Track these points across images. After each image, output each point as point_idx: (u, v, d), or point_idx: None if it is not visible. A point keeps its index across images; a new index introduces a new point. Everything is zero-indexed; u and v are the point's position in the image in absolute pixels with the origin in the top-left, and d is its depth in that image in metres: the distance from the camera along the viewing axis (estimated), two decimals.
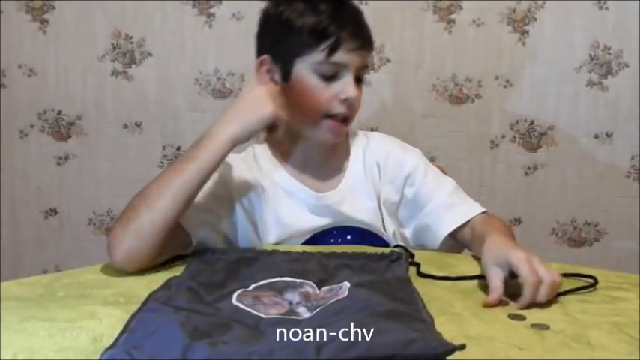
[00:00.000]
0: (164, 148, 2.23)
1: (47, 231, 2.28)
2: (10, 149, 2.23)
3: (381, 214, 1.24)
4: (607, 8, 2.13)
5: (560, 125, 2.21)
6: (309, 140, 1.22)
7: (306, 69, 1.15)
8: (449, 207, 1.21)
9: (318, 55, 1.14)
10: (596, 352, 0.75)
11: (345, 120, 1.18)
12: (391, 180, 1.25)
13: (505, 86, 2.19)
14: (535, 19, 2.15)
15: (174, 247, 1.06)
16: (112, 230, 1.03)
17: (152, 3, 2.16)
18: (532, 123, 2.21)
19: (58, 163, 2.25)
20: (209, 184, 1.10)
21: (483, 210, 1.22)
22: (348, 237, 1.21)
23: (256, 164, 1.24)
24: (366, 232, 1.22)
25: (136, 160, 2.23)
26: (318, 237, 1.21)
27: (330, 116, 1.17)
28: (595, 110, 2.19)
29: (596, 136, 2.21)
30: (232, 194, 1.18)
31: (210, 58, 2.19)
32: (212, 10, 2.16)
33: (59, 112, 2.22)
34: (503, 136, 2.22)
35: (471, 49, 2.17)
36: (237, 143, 1.06)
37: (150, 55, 2.19)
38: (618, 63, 2.16)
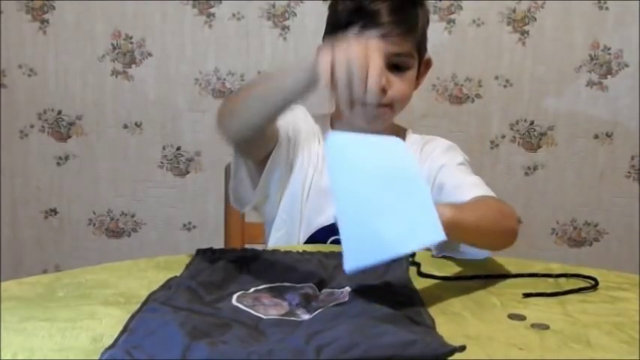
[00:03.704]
0: (164, 148, 2.23)
1: (47, 231, 2.28)
2: (10, 149, 2.23)
3: None
4: (607, 8, 2.13)
5: (560, 125, 2.21)
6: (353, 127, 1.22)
7: None
8: (460, 188, 1.14)
9: None
10: (596, 352, 0.75)
11: (386, 107, 1.17)
12: (428, 173, 1.21)
13: (505, 86, 2.19)
14: (535, 19, 2.15)
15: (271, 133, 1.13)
16: (221, 116, 1.08)
17: (152, 3, 2.16)
18: (532, 123, 2.21)
19: (58, 163, 2.25)
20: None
21: (490, 195, 1.14)
22: None
23: (319, 133, 1.26)
24: None
25: (136, 160, 2.23)
26: None
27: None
28: (595, 110, 2.19)
29: (596, 136, 2.21)
30: (297, 135, 1.21)
31: (210, 58, 2.19)
32: (212, 10, 2.16)
33: (59, 112, 2.22)
34: (503, 136, 2.22)
35: (470, 49, 2.17)
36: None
37: (150, 55, 2.19)
38: (618, 63, 2.17)
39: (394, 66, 1.16)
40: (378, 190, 0.81)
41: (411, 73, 1.19)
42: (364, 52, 0.82)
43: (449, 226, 0.87)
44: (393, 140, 0.87)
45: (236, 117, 1.06)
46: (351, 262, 0.81)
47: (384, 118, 1.20)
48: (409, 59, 1.18)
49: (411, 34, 1.17)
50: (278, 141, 1.18)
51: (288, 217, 1.23)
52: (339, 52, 0.83)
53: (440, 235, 0.78)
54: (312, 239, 1.22)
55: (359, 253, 0.81)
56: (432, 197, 0.81)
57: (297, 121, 1.23)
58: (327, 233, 1.21)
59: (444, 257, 1.10)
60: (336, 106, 1.27)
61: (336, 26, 1.17)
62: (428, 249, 1.20)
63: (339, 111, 1.25)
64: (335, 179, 0.84)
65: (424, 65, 1.25)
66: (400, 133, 1.28)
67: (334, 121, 1.28)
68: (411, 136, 1.30)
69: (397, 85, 1.17)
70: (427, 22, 1.24)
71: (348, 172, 0.83)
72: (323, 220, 1.21)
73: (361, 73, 0.81)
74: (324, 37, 1.23)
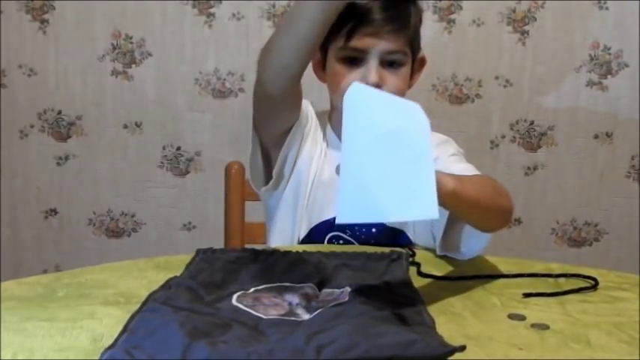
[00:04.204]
0: (164, 148, 2.23)
1: (47, 231, 2.28)
2: (10, 149, 2.23)
3: None
4: (607, 8, 2.13)
5: (560, 125, 2.21)
6: None
7: (332, 56, 1.19)
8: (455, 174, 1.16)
9: (339, 41, 1.17)
10: (596, 352, 0.75)
11: None
12: None
13: (505, 86, 2.19)
14: (535, 19, 2.15)
15: (297, 95, 1.15)
16: (260, 58, 1.10)
17: (152, 3, 2.16)
18: (532, 123, 2.21)
19: (58, 163, 2.25)
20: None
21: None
22: (373, 230, 1.22)
23: (322, 127, 1.28)
24: (392, 229, 1.22)
25: (136, 160, 2.23)
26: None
27: None
28: (595, 110, 2.19)
29: (596, 136, 2.21)
30: (309, 123, 1.24)
31: (210, 58, 2.19)
32: (212, 10, 2.16)
33: (59, 112, 2.22)
34: (503, 136, 2.22)
35: (471, 49, 2.17)
36: None
37: (150, 55, 2.19)
38: (618, 63, 2.17)
39: (388, 63, 1.17)
40: (386, 151, 0.81)
41: (405, 70, 1.20)
42: None
43: (451, 197, 0.88)
44: (413, 105, 0.86)
45: (271, 53, 1.08)
46: (344, 216, 0.81)
47: None
48: (402, 56, 1.19)
49: (404, 31, 1.18)
50: (299, 116, 1.20)
51: (290, 209, 1.24)
52: None
53: (433, 214, 0.78)
54: (311, 232, 1.22)
55: (353, 208, 0.81)
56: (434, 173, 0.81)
57: (309, 110, 1.25)
58: (327, 227, 1.21)
59: (444, 257, 1.10)
60: (331, 105, 1.28)
61: (329, 34, 1.15)
62: (428, 249, 1.20)
63: (335, 109, 1.26)
64: (347, 129, 0.84)
65: (418, 63, 1.26)
66: None
67: (330, 119, 1.29)
68: None
69: (391, 81, 1.18)
70: (420, 20, 1.24)
71: (361, 125, 0.83)
72: (324, 214, 1.22)
73: None
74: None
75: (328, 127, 1.28)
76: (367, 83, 1.16)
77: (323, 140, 1.27)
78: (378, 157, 0.81)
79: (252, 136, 1.21)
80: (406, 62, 1.21)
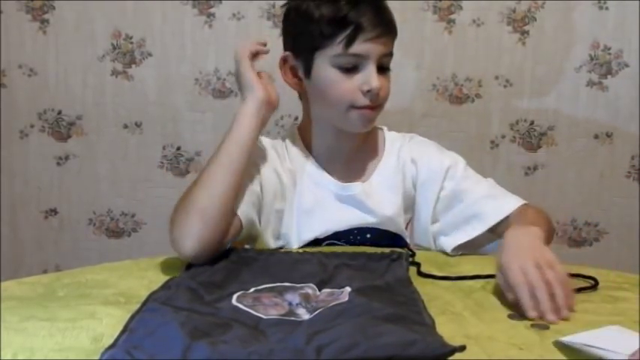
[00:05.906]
0: (164, 148, 2.23)
1: (47, 231, 2.28)
2: (10, 149, 2.23)
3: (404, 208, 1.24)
4: (607, 8, 2.13)
5: (560, 125, 2.21)
6: (339, 132, 1.21)
7: (325, 63, 1.15)
8: (492, 198, 1.21)
9: (336, 48, 1.13)
10: None
11: (373, 108, 1.17)
12: (428, 174, 1.23)
13: (505, 86, 2.19)
14: (535, 19, 2.15)
15: (229, 232, 1.07)
16: (174, 223, 1.05)
17: (152, 3, 2.16)
18: (532, 123, 2.21)
19: (58, 163, 2.25)
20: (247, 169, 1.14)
21: (525, 202, 1.21)
22: (368, 235, 1.22)
23: (287, 152, 1.25)
24: (387, 232, 1.22)
25: (136, 160, 2.23)
26: (339, 233, 1.22)
27: (356, 107, 1.16)
28: (595, 110, 2.19)
29: (596, 136, 2.21)
30: (262, 177, 1.18)
31: (210, 58, 2.19)
32: (212, 10, 2.16)
33: (59, 112, 2.21)
34: (503, 136, 2.22)
35: (471, 49, 2.17)
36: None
37: (150, 55, 2.19)
38: (618, 63, 2.16)
39: (379, 67, 1.16)
40: None
41: (389, 73, 1.20)
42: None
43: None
44: None
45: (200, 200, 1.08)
46: None
47: (374, 119, 1.21)
48: (390, 58, 1.19)
49: (393, 34, 1.19)
50: (244, 224, 1.12)
51: (275, 236, 1.22)
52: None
53: None
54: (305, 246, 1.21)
55: None
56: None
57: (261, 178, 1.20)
58: (320, 241, 1.21)
59: (444, 256, 1.11)
60: (306, 116, 1.25)
61: (315, 36, 1.14)
62: (428, 249, 1.20)
63: (316, 120, 1.23)
64: None
65: None
66: (376, 130, 1.29)
67: (306, 131, 1.26)
68: (390, 134, 1.30)
69: (384, 84, 1.17)
70: None
71: None
72: (310, 236, 1.21)
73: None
74: (296, 48, 1.20)
75: (298, 147, 1.25)
76: (370, 88, 1.14)
77: (289, 164, 1.24)
78: None
79: None
80: (390, 64, 1.20)
